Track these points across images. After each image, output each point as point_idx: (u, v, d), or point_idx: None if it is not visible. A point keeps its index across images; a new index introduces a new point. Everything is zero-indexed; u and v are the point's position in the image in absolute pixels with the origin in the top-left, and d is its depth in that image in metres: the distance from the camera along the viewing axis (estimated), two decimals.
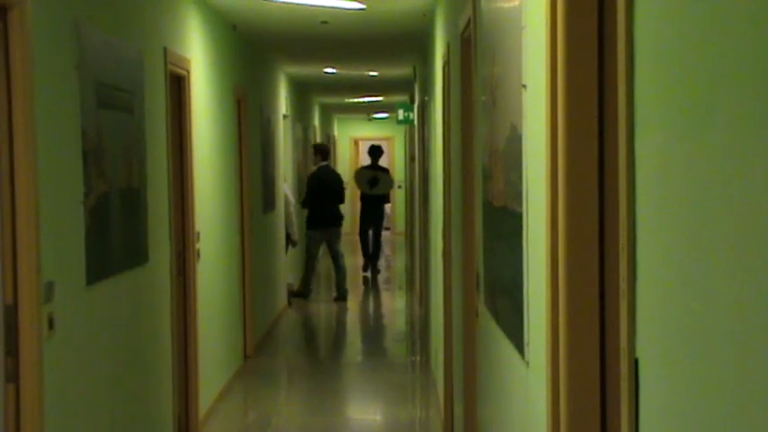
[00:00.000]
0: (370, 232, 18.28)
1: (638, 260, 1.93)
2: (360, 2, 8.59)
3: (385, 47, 11.94)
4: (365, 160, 22.93)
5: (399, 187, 27.02)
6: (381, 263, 19.49)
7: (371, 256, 18.17)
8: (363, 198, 18.22)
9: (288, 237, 13.93)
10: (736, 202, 1.41)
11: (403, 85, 17.07)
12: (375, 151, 17.91)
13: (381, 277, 18.07)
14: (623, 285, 1.98)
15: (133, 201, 5.69)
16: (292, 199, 14.06)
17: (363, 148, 28.16)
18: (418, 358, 10.63)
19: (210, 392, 8.14)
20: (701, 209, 1.56)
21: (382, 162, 18.98)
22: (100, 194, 5.05)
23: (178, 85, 7.28)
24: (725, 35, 1.46)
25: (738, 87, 1.40)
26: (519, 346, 3.37)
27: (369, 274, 18.03)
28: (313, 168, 15.28)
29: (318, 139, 20.33)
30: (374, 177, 17.61)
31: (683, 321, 1.65)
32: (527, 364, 3.23)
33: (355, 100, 20.99)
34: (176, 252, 7.02)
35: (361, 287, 16.96)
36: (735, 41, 1.42)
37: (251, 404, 8.76)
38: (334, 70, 14.67)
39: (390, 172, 18.44)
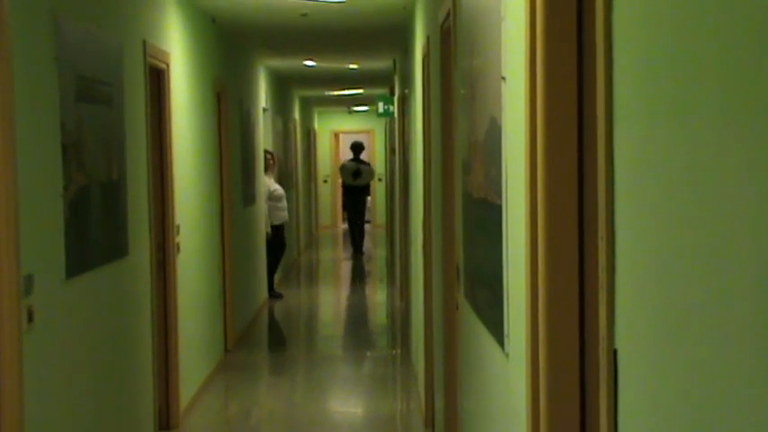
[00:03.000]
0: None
1: (616, 251, 1.94)
2: None
3: (365, 39, 11.94)
4: (345, 153, 23.36)
5: (380, 180, 27.01)
6: (363, 257, 20.32)
7: (357, 242, 20.35)
8: (347, 190, 20.57)
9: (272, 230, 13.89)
10: (713, 193, 1.42)
11: (383, 78, 17.07)
12: (357, 147, 20.56)
13: (362, 270, 18.22)
14: (602, 276, 1.98)
15: (113, 194, 5.68)
16: (280, 189, 13.96)
17: (344, 141, 28.14)
18: (399, 351, 10.64)
19: (191, 385, 8.13)
20: (680, 200, 1.57)
21: (363, 157, 21.08)
22: (79, 187, 5.03)
23: (158, 79, 7.26)
24: (703, 28, 1.46)
25: (716, 80, 1.41)
26: (499, 338, 3.37)
27: (358, 254, 20.19)
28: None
29: (299, 132, 20.58)
30: (357, 170, 20.17)
31: (661, 312, 1.66)
32: (507, 356, 3.23)
33: (335, 93, 20.97)
34: (156, 245, 7.01)
35: (342, 278, 17.00)
36: (713, 34, 1.42)
37: (232, 397, 8.75)
38: (314, 63, 14.65)
39: (371, 165, 21.37)
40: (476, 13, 3.98)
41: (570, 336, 2.59)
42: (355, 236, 20.40)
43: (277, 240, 13.97)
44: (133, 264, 6.20)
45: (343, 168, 20.66)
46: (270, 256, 13.91)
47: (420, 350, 8.12)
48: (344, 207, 21.05)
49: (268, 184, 13.87)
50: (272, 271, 14.07)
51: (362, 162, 20.49)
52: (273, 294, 14.12)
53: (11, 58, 4.10)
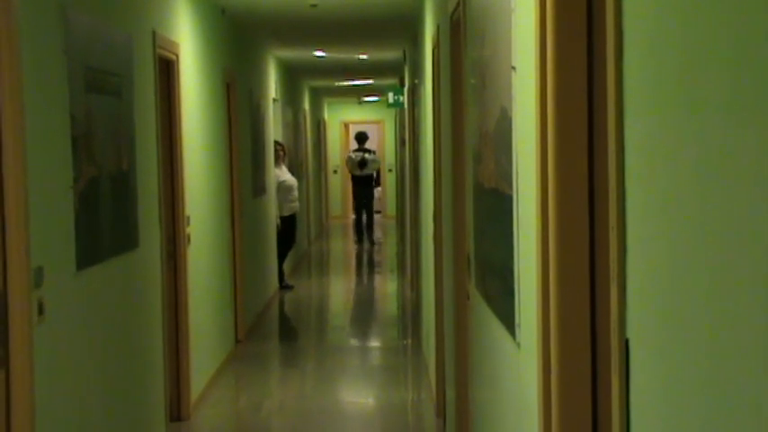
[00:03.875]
0: (364, 213, 21.04)
1: (627, 241, 1.93)
2: None
3: (375, 30, 11.92)
4: (355, 144, 23.57)
5: (390, 171, 27.00)
6: (373, 246, 20.62)
7: (367, 230, 20.93)
8: (354, 180, 21.18)
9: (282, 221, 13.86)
10: (724, 183, 1.41)
11: (393, 69, 17.05)
12: (361, 137, 21.28)
13: (373, 261, 18.25)
14: (613, 266, 1.98)
15: (123, 185, 5.68)
16: (289, 180, 13.94)
17: (354, 131, 28.13)
18: (410, 341, 10.64)
19: (202, 377, 8.14)
20: (690, 190, 1.56)
21: (368, 145, 21.70)
22: (89, 179, 5.03)
23: (167, 69, 7.26)
24: (713, 20, 1.45)
25: (726, 71, 1.40)
26: (510, 327, 3.37)
27: (363, 244, 20.55)
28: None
29: (309, 122, 20.65)
30: (363, 159, 20.73)
31: (672, 301, 1.66)
32: (518, 345, 3.23)
33: (345, 83, 20.97)
34: (167, 237, 7.01)
35: (353, 268, 17.01)
36: (723, 27, 1.41)
37: (243, 388, 8.76)
38: (323, 54, 14.64)
39: (376, 152, 22.09)
40: (486, 2, 3.97)
41: (582, 325, 2.58)
42: (361, 224, 20.88)
43: (286, 232, 13.95)
44: (143, 255, 6.20)
45: (348, 160, 21.16)
46: (279, 247, 13.91)
47: (431, 340, 8.12)
48: (354, 197, 21.70)
49: (278, 174, 13.86)
50: (280, 263, 14.07)
51: (367, 151, 20.92)
52: (284, 286, 14.12)
53: (20, 50, 4.10)
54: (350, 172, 21.30)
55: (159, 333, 6.63)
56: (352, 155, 21.04)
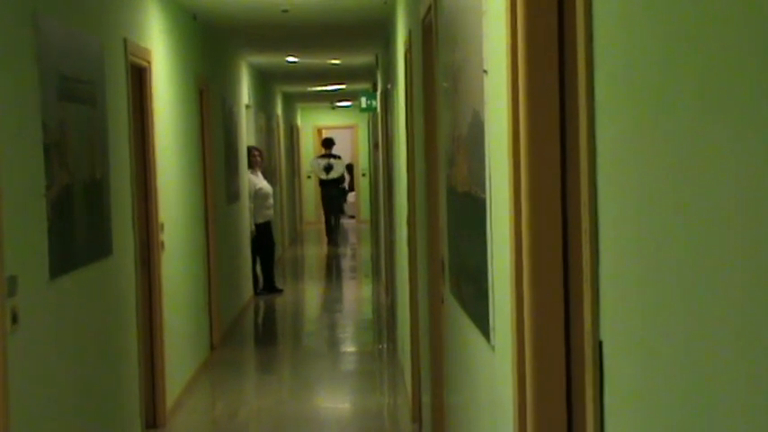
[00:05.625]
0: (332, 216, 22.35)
1: (600, 244, 1.94)
2: None
3: (347, 35, 11.93)
4: (322, 150, 24.07)
5: (363, 175, 27.00)
6: (347, 251, 21.07)
7: (333, 232, 22.10)
8: (322, 184, 22.31)
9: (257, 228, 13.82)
10: (695, 184, 1.42)
11: (366, 73, 17.06)
12: (328, 142, 22.62)
13: (347, 266, 18.35)
14: (586, 269, 1.99)
15: (96, 193, 5.66)
16: (267, 188, 13.88)
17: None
18: (385, 346, 10.64)
19: (177, 384, 8.12)
20: (662, 191, 1.57)
21: (335, 151, 23.02)
22: (62, 187, 5.02)
23: (139, 77, 7.24)
24: (682, 23, 1.47)
25: (695, 72, 1.41)
26: (485, 331, 3.38)
27: (332, 246, 21.49)
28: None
29: (282, 128, 20.67)
30: (329, 164, 22.02)
31: (646, 303, 1.67)
32: (493, 348, 3.24)
33: (318, 88, 20.96)
34: (140, 243, 6.99)
35: (327, 274, 17.01)
36: (692, 30, 1.42)
37: (218, 395, 8.74)
38: (296, 59, 14.63)
39: (342, 158, 23.27)
40: (457, 6, 3.98)
41: (555, 328, 2.59)
42: (330, 225, 22.04)
43: (263, 239, 13.91)
44: (117, 263, 6.18)
45: (316, 164, 22.61)
46: (260, 253, 13.90)
47: (406, 345, 8.12)
48: (323, 201, 22.79)
49: (255, 181, 13.77)
50: (269, 268, 14.10)
51: (333, 156, 22.28)
52: (274, 289, 14.16)
53: None
54: (317, 176, 22.48)
55: (134, 340, 6.60)
56: (319, 160, 22.38)
